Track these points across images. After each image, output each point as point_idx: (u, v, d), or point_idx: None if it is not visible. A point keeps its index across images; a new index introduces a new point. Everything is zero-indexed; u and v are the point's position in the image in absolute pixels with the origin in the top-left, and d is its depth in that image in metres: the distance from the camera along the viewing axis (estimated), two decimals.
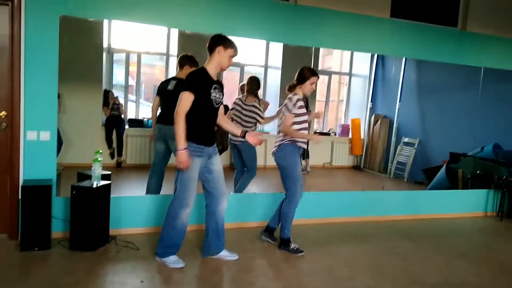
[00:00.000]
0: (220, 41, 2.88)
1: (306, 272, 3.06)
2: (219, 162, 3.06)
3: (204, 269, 2.99)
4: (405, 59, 6.70)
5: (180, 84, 2.89)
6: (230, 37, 2.95)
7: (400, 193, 4.91)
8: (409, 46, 4.60)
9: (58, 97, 3.36)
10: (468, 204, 5.07)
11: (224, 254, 3.16)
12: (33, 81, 3.21)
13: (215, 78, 2.93)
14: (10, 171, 3.27)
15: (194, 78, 2.84)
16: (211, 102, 2.89)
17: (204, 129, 2.92)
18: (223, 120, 3.15)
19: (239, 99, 4.39)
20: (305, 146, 3.39)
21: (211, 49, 2.90)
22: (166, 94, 3.87)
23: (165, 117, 3.81)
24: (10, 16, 3.14)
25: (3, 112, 3.24)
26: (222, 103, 3.04)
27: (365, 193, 4.67)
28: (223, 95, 3.02)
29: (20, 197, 3.14)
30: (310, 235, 3.84)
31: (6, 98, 3.22)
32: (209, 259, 3.14)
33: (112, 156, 4.95)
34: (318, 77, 3.35)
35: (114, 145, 5.01)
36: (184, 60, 3.88)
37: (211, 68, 2.90)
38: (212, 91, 2.87)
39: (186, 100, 2.77)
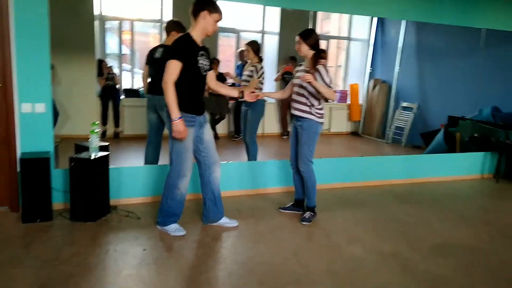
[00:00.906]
0: (204, 5, 2.77)
1: (305, 237, 3.12)
2: (209, 131, 3.05)
3: (205, 236, 3.04)
4: (405, 22, 6.55)
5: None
6: (220, 1, 2.85)
7: (398, 157, 4.93)
8: (409, 8, 4.46)
9: (52, 68, 3.30)
10: (465, 166, 5.10)
11: (224, 221, 3.21)
12: (25, 52, 3.13)
13: (200, 45, 2.85)
14: (7, 144, 3.25)
15: (180, 45, 2.76)
16: (199, 70, 2.82)
17: (194, 98, 2.87)
18: (216, 85, 3.10)
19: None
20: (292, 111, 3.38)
21: (196, 14, 2.79)
22: (154, 63, 3.71)
23: (154, 86, 3.67)
24: None
25: None
26: (209, 70, 2.98)
27: (363, 159, 4.70)
28: (209, 61, 2.96)
29: (19, 170, 3.15)
30: None
31: None
32: (209, 226, 3.19)
33: (104, 135, 4.88)
34: None
35: (111, 117, 4.97)
36: (171, 26, 3.71)
37: (196, 34, 2.81)
38: (199, 57, 2.80)
39: (173, 68, 2.70)
